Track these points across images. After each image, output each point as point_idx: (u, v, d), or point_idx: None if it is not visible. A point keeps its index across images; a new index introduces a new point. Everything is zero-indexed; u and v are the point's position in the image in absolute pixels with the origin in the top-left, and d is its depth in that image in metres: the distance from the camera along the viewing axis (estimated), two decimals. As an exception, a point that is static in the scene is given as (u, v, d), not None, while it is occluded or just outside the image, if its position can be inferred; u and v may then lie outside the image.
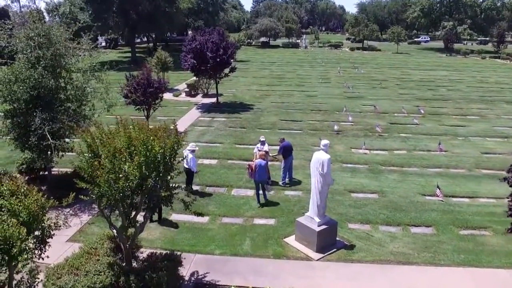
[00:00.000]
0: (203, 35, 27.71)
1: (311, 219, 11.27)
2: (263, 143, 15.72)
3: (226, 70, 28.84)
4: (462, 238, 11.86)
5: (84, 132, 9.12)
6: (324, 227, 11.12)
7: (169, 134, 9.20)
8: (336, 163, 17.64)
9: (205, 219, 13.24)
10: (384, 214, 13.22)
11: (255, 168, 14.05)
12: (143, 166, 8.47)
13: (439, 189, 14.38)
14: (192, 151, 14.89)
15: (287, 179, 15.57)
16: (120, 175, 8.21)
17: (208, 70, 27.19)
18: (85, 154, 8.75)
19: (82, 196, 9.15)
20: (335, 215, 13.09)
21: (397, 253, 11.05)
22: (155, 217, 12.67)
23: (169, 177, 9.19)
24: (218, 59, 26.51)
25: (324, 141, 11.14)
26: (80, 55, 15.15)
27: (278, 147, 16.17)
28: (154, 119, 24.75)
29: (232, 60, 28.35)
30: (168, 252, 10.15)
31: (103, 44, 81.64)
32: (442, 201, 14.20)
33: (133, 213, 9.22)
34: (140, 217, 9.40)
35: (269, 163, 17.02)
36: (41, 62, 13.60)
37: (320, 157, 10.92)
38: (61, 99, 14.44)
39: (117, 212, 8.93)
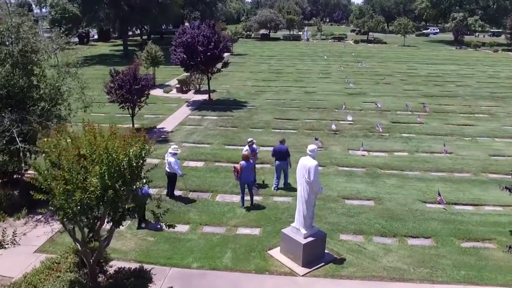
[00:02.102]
0: (194, 28, 27.12)
1: (297, 230, 10.76)
2: (251, 146, 15.19)
3: (219, 65, 28.31)
4: (463, 252, 11.33)
5: (47, 136, 8.66)
6: (311, 239, 10.61)
7: (138, 140, 8.68)
8: (331, 166, 17.13)
9: (185, 228, 12.80)
10: (379, 223, 12.70)
11: (241, 169, 13.60)
12: (106, 176, 8.02)
13: (440, 195, 13.84)
14: (174, 154, 14.42)
15: (281, 185, 15.08)
16: (78, 186, 7.75)
17: (199, 65, 26.64)
18: (42, 163, 8.31)
19: (39, 210, 8.68)
20: (326, 225, 12.60)
21: (390, 269, 10.53)
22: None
23: (135, 187, 8.71)
24: (209, 53, 25.96)
25: (311, 146, 10.62)
26: (52, 51, 14.69)
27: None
28: (141, 118, 24.38)
29: (229, 54, 27.84)
30: (138, 267, 9.68)
31: (96, 36, 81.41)
32: (444, 209, 13.67)
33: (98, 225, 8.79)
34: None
35: (262, 166, 16.62)
36: (8, 60, 13.14)
37: (306, 163, 10.40)
38: (33, 98, 13.99)
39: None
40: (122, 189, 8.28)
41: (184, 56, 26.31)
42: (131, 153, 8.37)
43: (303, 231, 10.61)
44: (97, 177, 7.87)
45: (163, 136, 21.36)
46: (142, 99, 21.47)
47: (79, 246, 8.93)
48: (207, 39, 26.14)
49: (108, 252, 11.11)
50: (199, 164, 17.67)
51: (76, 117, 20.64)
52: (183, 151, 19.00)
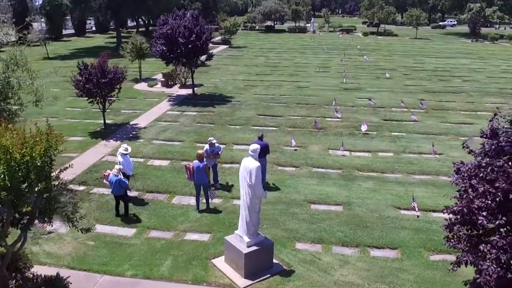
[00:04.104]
0: (176, 18, 26.51)
1: (240, 238, 10.11)
2: (212, 145, 14.52)
3: (203, 58, 27.69)
4: (430, 265, 10.55)
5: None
6: (254, 248, 9.96)
7: (47, 137, 8.12)
8: (304, 167, 16.41)
9: (130, 231, 12.29)
10: (342, 231, 11.97)
11: (193, 170, 13.01)
12: (6, 176, 7.49)
13: (415, 201, 13.04)
14: (125, 155, 13.87)
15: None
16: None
17: (179, 57, 26.03)
18: None
19: None
20: (283, 232, 11.93)
21: (342, 283, 9.82)
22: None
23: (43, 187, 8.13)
24: (190, 46, 25.33)
25: (254, 146, 9.95)
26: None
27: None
28: (117, 113, 23.95)
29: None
30: (53, 275, 9.11)
31: (94, 28, 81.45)
32: (417, 216, 12.87)
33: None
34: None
35: (232, 166, 15.97)
36: None
37: (247, 165, 9.73)
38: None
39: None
40: (27, 190, 7.75)
41: (164, 48, 25.73)
42: (35, 152, 7.80)
43: (246, 239, 9.96)
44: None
45: (134, 132, 20.86)
46: (113, 93, 21.04)
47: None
48: (188, 30, 25.52)
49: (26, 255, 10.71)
50: (164, 163, 17.11)
51: (46, 112, 20.68)
52: (150, 149, 18.52)
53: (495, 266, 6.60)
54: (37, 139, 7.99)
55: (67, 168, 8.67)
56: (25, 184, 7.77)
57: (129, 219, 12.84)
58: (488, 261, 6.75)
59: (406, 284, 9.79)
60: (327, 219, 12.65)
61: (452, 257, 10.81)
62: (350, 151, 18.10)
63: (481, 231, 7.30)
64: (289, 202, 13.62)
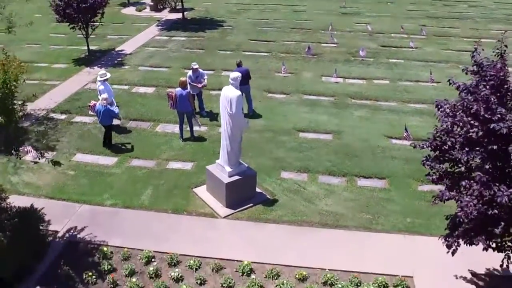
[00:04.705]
0: None
1: (222, 168, 9.73)
2: (195, 71, 13.74)
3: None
4: (417, 196, 10.27)
5: None
6: (236, 178, 9.61)
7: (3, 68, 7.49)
8: (295, 94, 15.77)
9: (112, 160, 11.94)
10: (330, 161, 11.58)
11: (176, 97, 12.40)
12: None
13: (407, 131, 12.52)
14: (104, 81, 13.12)
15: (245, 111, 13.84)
16: None
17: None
18: None
19: None
20: (269, 160, 11.56)
21: (325, 213, 9.57)
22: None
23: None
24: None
25: (234, 74, 9.28)
26: None
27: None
28: (103, 39, 22.84)
29: None
30: (27, 207, 8.82)
31: None
32: (411, 145, 12.39)
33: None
34: None
35: (219, 92, 15.24)
36: None
37: (228, 93, 9.14)
38: None
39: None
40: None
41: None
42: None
43: (228, 169, 9.58)
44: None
45: (120, 59, 19.93)
46: (96, 18, 19.88)
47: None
48: None
49: (17, 186, 10.56)
50: (149, 90, 16.45)
51: (29, 39, 19.62)
52: (135, 76, 17.76)
53: (475, 202, 6.27)
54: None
55: (32, 97, 8.09)
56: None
57: (111, 148, 12.41)
58: (469, 197, 6.41)
59: (392, 215, 9.55)
60: (315, 148, 12.24)
61: (440, 187, 10.58)
62: (344, 78, 17.32)
63: (463, 168, 6.92)
64: (277, 130, 13.13)
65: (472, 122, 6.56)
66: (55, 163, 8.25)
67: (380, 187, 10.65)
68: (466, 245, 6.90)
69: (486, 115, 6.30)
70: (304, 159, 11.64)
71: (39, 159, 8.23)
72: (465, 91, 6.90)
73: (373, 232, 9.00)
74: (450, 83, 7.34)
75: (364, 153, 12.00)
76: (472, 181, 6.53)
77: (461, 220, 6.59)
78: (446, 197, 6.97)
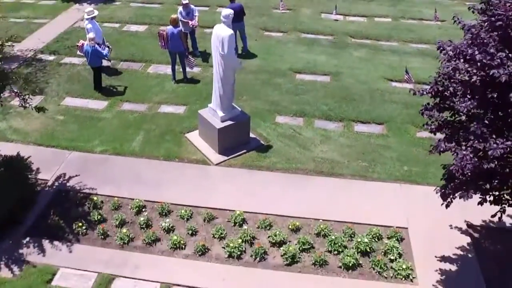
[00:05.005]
0: None
1: (214, 112, 9.36)
2: (185, 6, 12.91)
3: None
4: (415, 143, 9.97)
5: None
6: (229, 123, 9.27)
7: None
8: (293, 33, 15.03)
9: (102, 104, 11.51)
10: (327, 105, 11.18)
11: (167, 36, 11.75)
12: None
13: (408, 73, 11.99)
14: (91, 19, 12.31)
15: (239, 51, 13.23)
16: None
17: None
18: None
19: None
20: (264, 103, 11.18)
21: (320, 160, 9.34)
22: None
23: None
24: None
25: (226, 11, 8.65)
26: None
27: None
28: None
29: None
30: (13, 155, 8.54)
31: None
32: (411, 89, 11.94)
33: None
34: None
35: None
36: None
37: (219, 32, 8.54)
38: None
39: None
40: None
41: None
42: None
43: (220, 114, 9.22)
44: None
45: (108, -7, 18.76)
46: None
47: None
48: None
49: (4, 133, 10.28)
50: (141, 28, 15.64)
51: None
52: (126, 13, 16.82)
53: (471, 156, 5.91)
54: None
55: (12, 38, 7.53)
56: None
57: (101, 91, 11.92)
58: (464, 149, 6.06)
59: (388, 162, 9.33)
60: (312, 91, 11.78)
61: (440, 135, 10.28)
62: (344, 15, 16.45)
63: (464, 117, 6.49)
64: (272, 71, 12.60)
65: (469, 69, 6.06)
66: (39, 109, 7.87)
67: (378, 132, 10.35)
68: (462, 198, 6.69)
69: (484, 61, 5.78)
70: (300, 103, 11.24)
71: (22, 105, 7.83)
72: (469, 32, 6.33)
73: (369, 181, 8.82)
74: (454, 22, 6.74)
75: (363, 97, 11.58)
76: (467, 133, 6.16)
77: (456, 174, 6.31)
78: (442, 149, 6.61)
